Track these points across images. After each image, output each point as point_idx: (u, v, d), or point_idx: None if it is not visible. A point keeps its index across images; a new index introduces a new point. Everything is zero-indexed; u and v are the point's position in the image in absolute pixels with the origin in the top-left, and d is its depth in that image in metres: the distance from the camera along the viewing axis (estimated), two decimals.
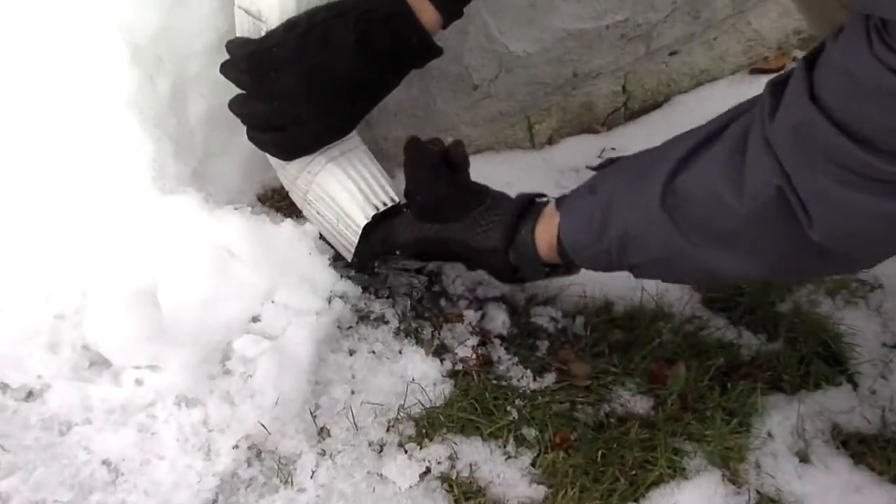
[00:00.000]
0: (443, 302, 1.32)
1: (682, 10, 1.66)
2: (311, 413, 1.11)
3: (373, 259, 1.30)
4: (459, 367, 1.22)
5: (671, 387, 1.24)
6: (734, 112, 1.00)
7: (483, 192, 1.21)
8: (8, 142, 1.21)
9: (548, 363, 1.26)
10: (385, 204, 1.23)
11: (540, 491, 1.09)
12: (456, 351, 1.24)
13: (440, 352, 1.23)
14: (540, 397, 1.19)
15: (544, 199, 1.19)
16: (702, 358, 1.30)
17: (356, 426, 1.11)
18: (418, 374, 1.19)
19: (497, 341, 1.28)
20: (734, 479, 1.15)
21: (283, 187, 1.33)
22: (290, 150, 1.24)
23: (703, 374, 1.26)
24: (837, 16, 0.87)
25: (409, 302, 1.29)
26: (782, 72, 0.94)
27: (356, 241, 1.23)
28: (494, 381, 1.20)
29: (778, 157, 0.90)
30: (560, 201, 1.15)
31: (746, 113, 0.97)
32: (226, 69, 1.18)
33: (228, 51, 1.18)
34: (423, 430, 1.12)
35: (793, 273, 1.18)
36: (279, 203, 1.36)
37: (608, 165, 1.15)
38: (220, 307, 1.15)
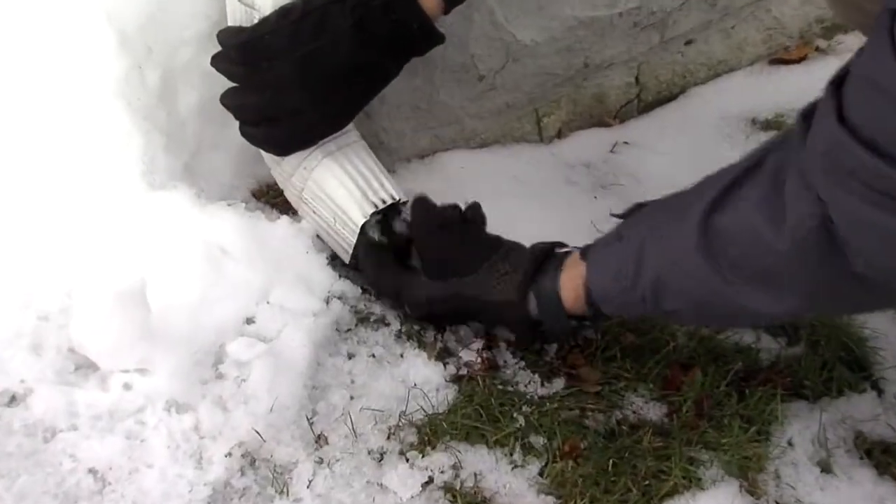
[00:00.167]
0: None
1: None
2: (308, 419, 1.10)
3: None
4: (464, 371, 1.22)
5: (686, 393, 1.24)
6: (767, 146, 1.00)
7: (496, 241, 1.22)
8: None
9: (556, 368, 1.26)
10: (384, 202, 1.23)
11: (548, 502, 1.09)
12: (460, 355, 1.24)
13: (443, 356, 1.23)
14: (548, 403, 1.19)
15: (565, 248, 1.20)
16: (718, 363, 1.29)
17: (355, 433, 1.11)
18: (420, 378, 1.19)
19: (503, 345, 1.27)
20: (752, 490, 1.15)
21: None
22: (285, 144, 1.24)
23: (719, 379, 1.26)
24: (863, 2, 0.87)
25: None
26: (811, 101, 0.93)
27: (354, 240, 1.23)
28: (500, 387, 1.20)
29: (813, 186, 0.90)
30: (586, 250, 1.15)
31: (780, 146, 0.97)
32: (217, 61, 1.19)
33: (220, 41, 1.18)
34: (426, 438, 1.12)
35: (838, 307, 1.17)
36: (274, 199, 1.36)
37: (636, 211, 1.15)
38: (213, 308, 1.15)
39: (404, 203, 1.24)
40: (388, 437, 1.12)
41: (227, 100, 1.20)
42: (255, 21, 1.16)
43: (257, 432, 1.06)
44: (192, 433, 1.05)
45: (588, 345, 1.29)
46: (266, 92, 1.16)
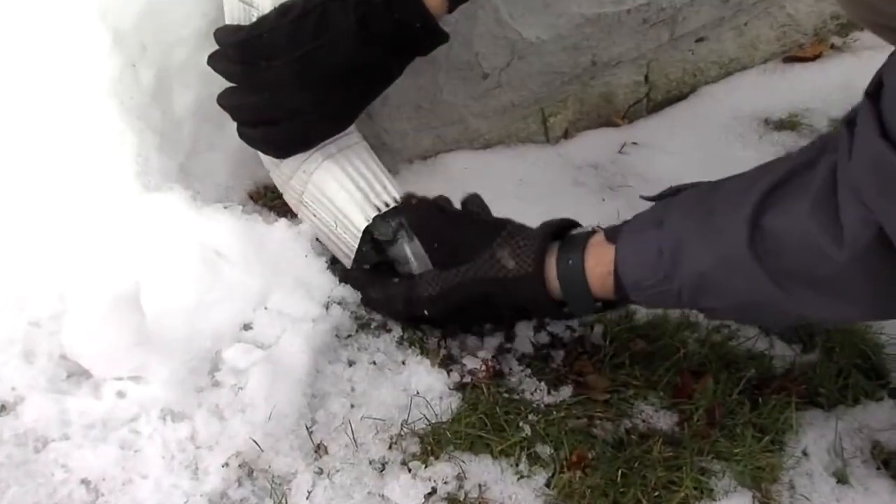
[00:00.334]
0: None
1: None
2: (307, 429, 1.10)
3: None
4: (468, 379, 1.21)
5: (698, 401, 1.24)
6: (823, 144, 1.00)
7: (502, 221, 1.21)
8: None
9: (563, 375, 1.26)
10: (387, 204, 1.23)
11: None
12: (464, 362, 1.23)
13: (447, 363, 1.23)
14: (555, 412, 1.19)
15: (584, 227, 1.19)
16: (731, 370, 1.29)
17: (356, 443, 1.11)
18: (423, 386, 1.19)
19: (509, 352, 1.28)
20: (766, 501, 1.15)
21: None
22: (284, 145, 1.24)
23: (732, 387, 1.26)
24: (874, 1, 0.87)
25: None
26: (854, 107, 0.93)
27: (356, 244, 1.23)
28: (506, 395, 1.20)
29: (863, 198, 0.90)
30: (615, 232, 1.14)
31: (834, 148, 0.96)
32: (214, 61, 1.19)
33: (217, 39, 1.19)
34: (429, 448, 1.12)
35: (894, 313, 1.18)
36: (272, 201, 1.37)
37: (673, 195, 1.13)
38: (209, 313, 1.15)
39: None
40: (390, 447, 1.12)
41: (225, 100, 1.20)
42: (254, 19, 1.17)
43: (255, 441, 1.06)
44: (188, 442, 1.05)
45: (596, 351, 1.29)
46: (264, 92, 1.16)
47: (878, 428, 1.28)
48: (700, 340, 1.34)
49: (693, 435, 1.20)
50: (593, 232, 1.17)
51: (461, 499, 1.08)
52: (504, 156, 1.62)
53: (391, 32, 1.14)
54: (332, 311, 1.22)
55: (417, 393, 1.18)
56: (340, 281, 1.25)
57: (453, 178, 1.54)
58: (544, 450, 1.14)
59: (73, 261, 1.16)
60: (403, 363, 1.21)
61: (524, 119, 1.64)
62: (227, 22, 1.21)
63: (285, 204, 1.33)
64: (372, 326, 1.24)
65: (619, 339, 1.31)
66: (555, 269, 1.16)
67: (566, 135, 1.70)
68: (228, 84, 1.19)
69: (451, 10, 1.18)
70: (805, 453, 1.22)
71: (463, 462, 1.11)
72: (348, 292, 1.25)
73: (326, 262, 1.26)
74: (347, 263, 1.26)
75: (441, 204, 1.23)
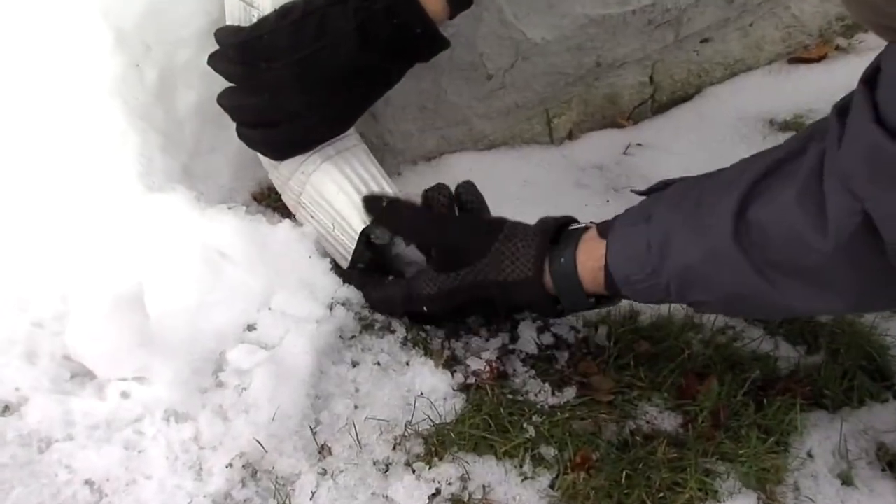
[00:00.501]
0: None
1: None
2: (311, 429, 1.11)
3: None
4: (472, 380, 1.22)
5: (702, 402, 1.24)
6: (811, 133, 1.00)
7: (499, 221, 1.21)
8: None
9: (568, 376, 1.26)
10: None
11: None
12: (468, 363, 1.24)
13: (451, 364, 1.23)
14: (559, 413, 1.19)
15: (580, 224, 1.19)
16: (735, 371, 1.30)
17: (360, 444, 1.11)
18: (427, 387, 1.19)
19: (513, 353, 1.28)
20: (770, 503, 1.15)
21: None
22: (283, 147, 1.25)
23: (736, 388, 1.26)
24: (878, 1, 0.88)
25: None
26: (846, 95, 0.94)
27: (353, 247, 1.24)
28: (510, 396, 1.21)
29: (853, 187, 0.90)
30: (606, 227, 1.14)
31: (822, 137, 0.96)
32: (214, 61, 1.19)
33: (217, 40, 1.19)
34: (433, 449, 1.13)
35: (881, 304, 1.18)
36: (275, 202, 1.37)
37: (662, 189, 1.14)
38: (213, 314, 1.15)
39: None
40: (394, 448, 1.12)
41: (224, 100, 1.20)
42: (255, 20, 1.17)
43: (259, 442, 1.06)
44: (192, 443, 1.06)
45: (600, 352, 1.30)
46: (264, 93, 1.17)
47: (883, 429, 1.28)
48: (704, 342, 1.34)
49: (697, 436, 1.21)
50: (587, 228, 1.18)
51: (465, 500, 1.08)
52: (508, 157, 1.63)
53: (390, 37, 1.14)
54: (336, 311, 1.22)
55: (421, 394, 1.18)
56: (343, 282, 1.25)
57: (457, 178, 1.52)
58: (548, 451, 1.15)
59: (75, 261, 1.16)
60: (407, 364, 1.22)
61: (528, 120, 1.65)
62: (228, 22, 1.22)
63: None
64: (376, 327, 1.25)
65: (623, 340, 1.31)
66: (549, 267, 1.17)
67: (570, 136, 1.70)
68: (229, 84, 1.20)
69: (452, 17, 1.18)
70: (810, 455, 1.22)
71: (467, 463, 1.11)
72: (352, 293, 1.25)
73: (330, 263, 1.26)
74: (345, 265, 1.27)
75: (426, 198, 1.23)
